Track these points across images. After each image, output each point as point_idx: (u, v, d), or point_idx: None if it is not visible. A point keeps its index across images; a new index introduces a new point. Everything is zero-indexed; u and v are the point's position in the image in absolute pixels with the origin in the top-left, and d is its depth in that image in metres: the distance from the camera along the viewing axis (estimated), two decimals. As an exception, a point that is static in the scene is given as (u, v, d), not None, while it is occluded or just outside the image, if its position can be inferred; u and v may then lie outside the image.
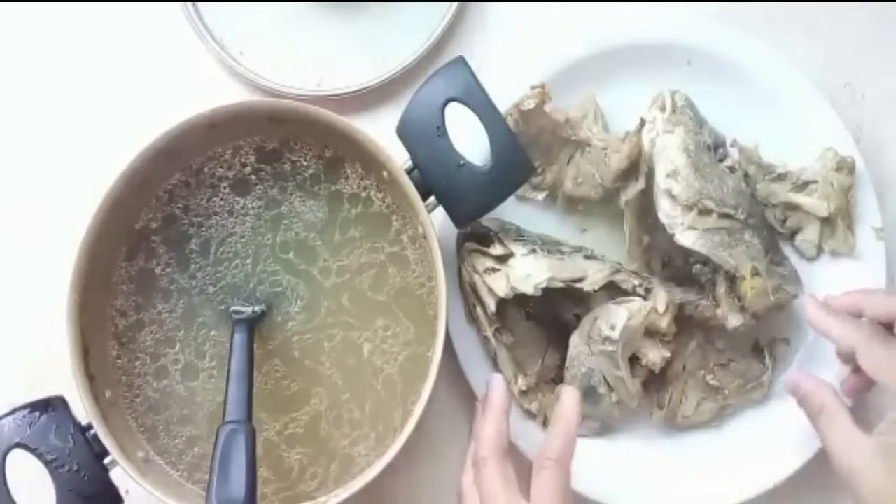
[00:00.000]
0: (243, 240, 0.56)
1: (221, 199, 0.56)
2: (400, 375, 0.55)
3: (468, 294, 0.59)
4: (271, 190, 0.56)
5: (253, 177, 0.56)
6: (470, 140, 0.54)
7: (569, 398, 0.52)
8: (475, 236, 0.59)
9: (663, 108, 0.59)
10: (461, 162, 0.53)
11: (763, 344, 0.60)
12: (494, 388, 0.53)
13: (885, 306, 0.53)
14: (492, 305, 0.57)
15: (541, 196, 0.62)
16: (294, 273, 0.56)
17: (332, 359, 0.56)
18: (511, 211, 0.61)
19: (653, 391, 0.59)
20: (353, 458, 0.55)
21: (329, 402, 0.55)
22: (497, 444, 0.51)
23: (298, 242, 0.56)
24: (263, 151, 0.56)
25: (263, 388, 0.55)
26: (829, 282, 0.60)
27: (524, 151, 0.54)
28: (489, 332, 0.59)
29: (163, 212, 0.56)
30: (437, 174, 0.53)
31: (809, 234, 0.61)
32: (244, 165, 0.56)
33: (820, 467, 0.55)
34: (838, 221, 0.60)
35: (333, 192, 0.56)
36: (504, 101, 0.57)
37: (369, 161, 0.55)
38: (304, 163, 0.56)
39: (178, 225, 0.56)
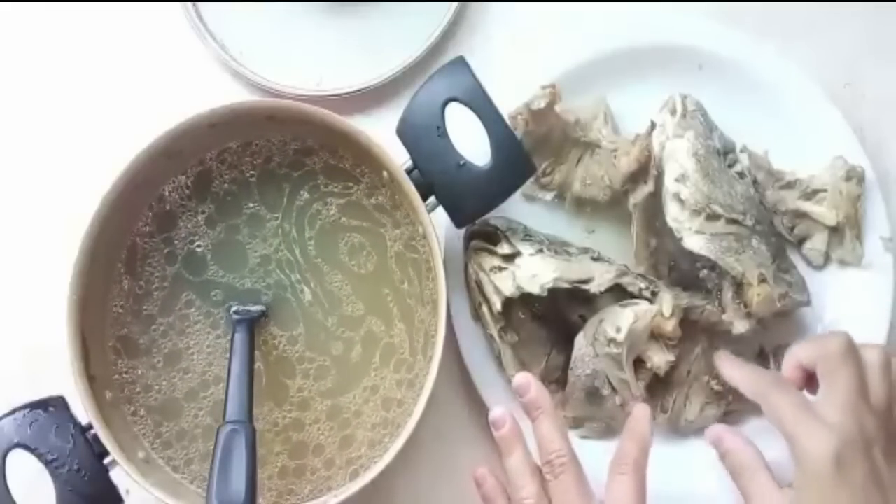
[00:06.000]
0: (243, 240, 0.58)
1: (222, 199, 0.58)
2: (401, 375, 0.57)
3: (474, 292, 0.60)
4: (271, 190, 0.58)
5: (252, 177, 0.58)
6: (470, 140, 0.55)
7: (641, 412, 0.54)
8: (482, 234, 0.60)
9: (674, 112, 0.60)
10: (461, 162, 0.54)
11: (768, 350, 0.61)
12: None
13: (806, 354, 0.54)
14: (497, 304, 0.58)
15: (549, 196, 0.64)
16: (294, 273, 0.57)
17: (332, 358, 0.57)
18: (519, 210, 0.63)
19: (657, 395, 0.60)
20: (354, 457, 0.56)
21: (330, 402, 0.57)
22: (570, 449, 0.52)
23: (298, 242, 0.58)
24: (263, 151, 0.58)
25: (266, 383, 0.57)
26: (836, 291, 0.62)
27: (524, 151, 0.55)
28: (494, 331, 0.60)
29: (163, 212, 0.57)
30: (437, 174, 0.55)
31: (817, 243, 0.62)
32: (244, 165, 0.58)
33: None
34: (846, 231, 0.61)
35: (333, 192, 0.58)
36: (504, 101, 0.57)
37: (369, 161, 0.56)
38: (304, 163, 0.58)
39: (178, 225, 0.57)
